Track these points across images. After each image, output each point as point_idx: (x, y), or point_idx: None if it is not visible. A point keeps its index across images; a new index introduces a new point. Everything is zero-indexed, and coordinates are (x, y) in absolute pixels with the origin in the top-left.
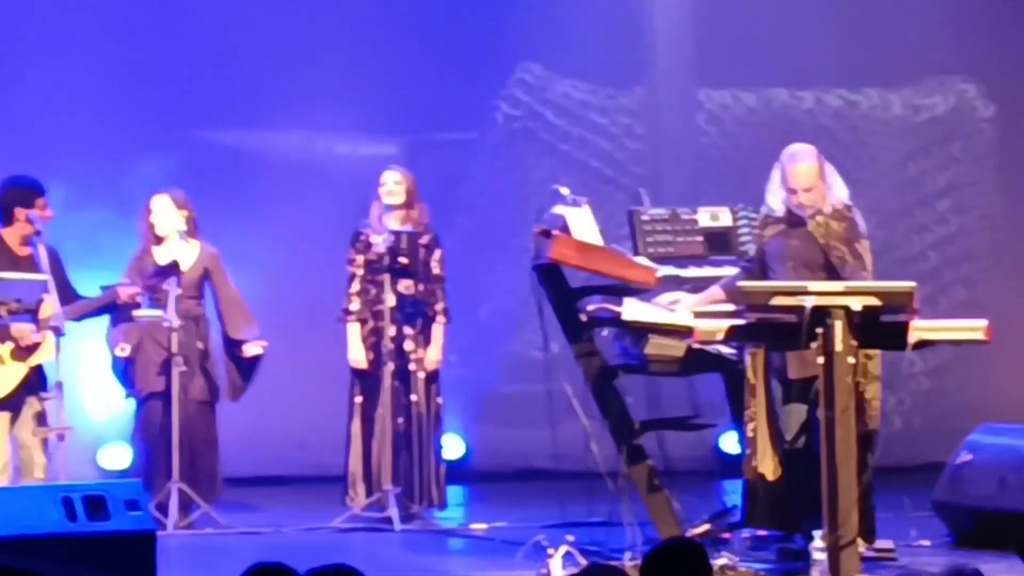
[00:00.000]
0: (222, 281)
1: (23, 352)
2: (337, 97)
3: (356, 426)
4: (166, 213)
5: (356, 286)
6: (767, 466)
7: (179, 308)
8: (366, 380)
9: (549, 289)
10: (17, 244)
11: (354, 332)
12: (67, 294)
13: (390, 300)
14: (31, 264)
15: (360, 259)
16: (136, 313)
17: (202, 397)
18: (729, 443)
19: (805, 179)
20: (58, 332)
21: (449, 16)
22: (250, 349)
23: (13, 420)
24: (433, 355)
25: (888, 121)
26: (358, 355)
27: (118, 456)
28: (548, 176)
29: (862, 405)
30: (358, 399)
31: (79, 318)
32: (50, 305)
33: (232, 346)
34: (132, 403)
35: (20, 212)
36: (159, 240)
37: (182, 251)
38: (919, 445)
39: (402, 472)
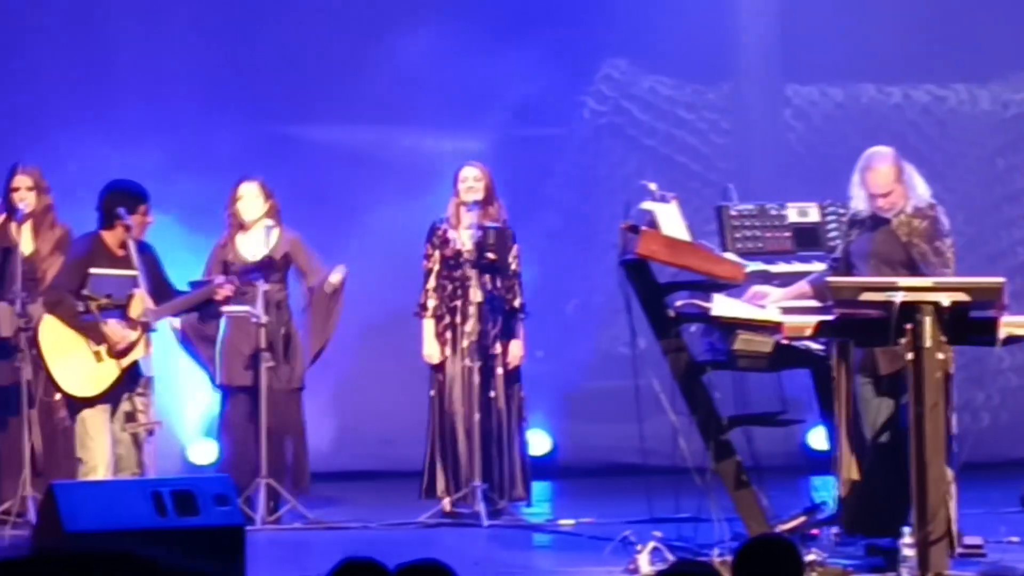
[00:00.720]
0: (307, 264)
1: (121, 349)
2: (423, 92)
3: (434, 422)
4: (254, 201)
5: (432, 281)
6: (851, 470)
7: (266, 299)
8: (443, 376)
9: (637, 285)
10: (116, 246)
11: (429, 328)
12: (164, 290)
13: (477, 296)
14: (127, 263)
15: (436, 254)
16: (225, 309)
17: (289, 386)
18: (817, 439)
19: (882, 184)
20: (148, 328)
21: (535, 12)
22: (334, 276)
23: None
24: (516, 351)
25: (976, 116)
26: (431, 350)
27: (207, 451)
28: (634, 171)
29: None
30: (434, 394)
31: (174, 315)
32: (140, 301)
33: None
34: (218, 397)
35: (123, 214)
36: (243, 227)
37: (266, 241)
38: (1007, 441)
39: (486, 468)
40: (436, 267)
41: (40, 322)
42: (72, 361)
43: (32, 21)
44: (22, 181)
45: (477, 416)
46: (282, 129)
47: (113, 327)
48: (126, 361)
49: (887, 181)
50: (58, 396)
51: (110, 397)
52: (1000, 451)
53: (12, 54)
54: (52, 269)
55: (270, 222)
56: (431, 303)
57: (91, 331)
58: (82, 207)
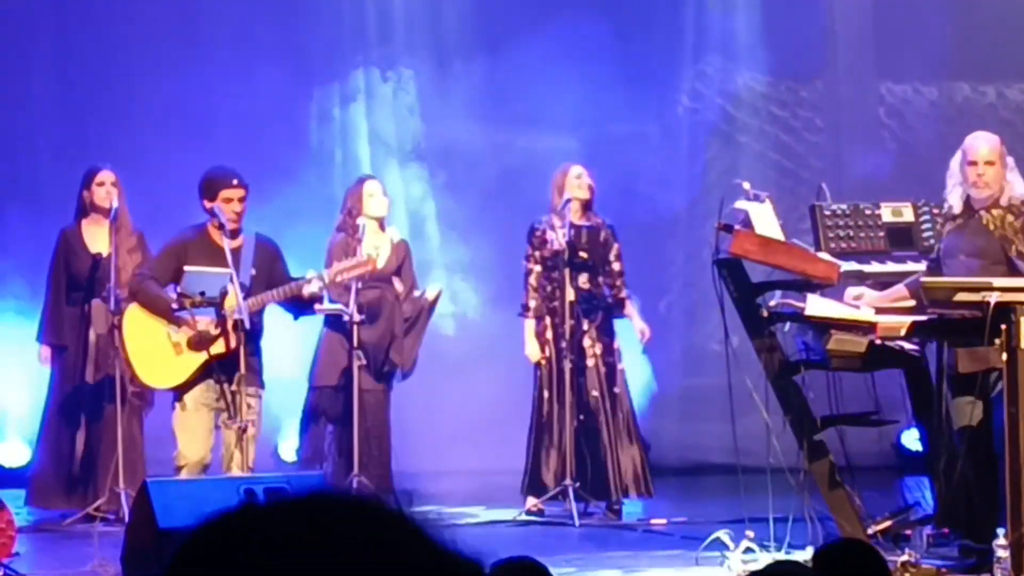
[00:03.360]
0: (409, 273)
1: (201, 342)
2: (518, 91)
3: (535, 421)
4: (379, 199)
5: (533, 281)
6: (941, 466)
7: (359, 299)
8: (544, 375)
9: (730, 284)
10: (219, 236)
11: (529, 328)
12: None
13: (569, 295)
14: (235, 256)
15: (536, 255)
16: (318, 307)
17: (377, 386)
18: (910, 439)
19: (985, 152)
20: (240, 325)
21: (630, 9)
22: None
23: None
24: (639, 325)
25: None
26: (531, 350)
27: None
28: (728, 169)
29: None
30: (536, 394)
31: (260, 310)
32: (232, 297)
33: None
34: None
35: (207, 204)
36: (357, 228)
37: (379, 241)
38: None
39: (583, 467)
40: (537, 267)
41: (125, 313)
42: (151, 351)
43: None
44: (107, 176)
45: (581, 416)
46: None
47: (200, 321)
48: (205, 354)
49: (992, 152)
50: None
51: (190, 389)
52: None
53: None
54: (126, 270)
55: (385, 217)
56: (532, 303)
57: (170, 319)
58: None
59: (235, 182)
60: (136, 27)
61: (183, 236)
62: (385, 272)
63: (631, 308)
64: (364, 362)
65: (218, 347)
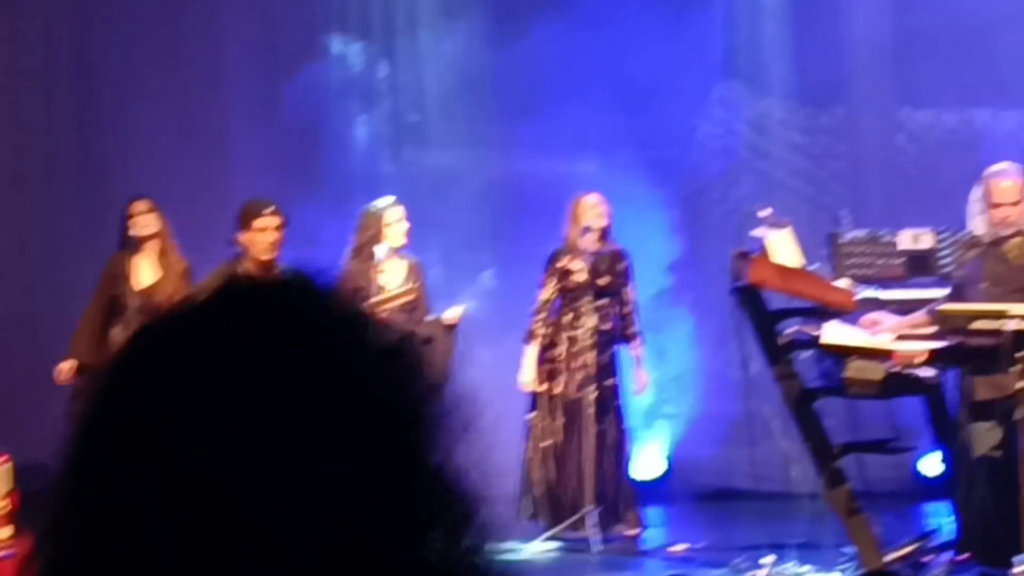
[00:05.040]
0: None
1: None
2: (536, 116)
3: (529, 448)
4: (401, 226)
5: (543, 310)
6: (961, 492)
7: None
8: (539, 403)
9: (748, 311)
10: (253, 272)
11: (531, 354)
12: None
13: (589, 322)
14: None
15: (553, 283)
16: None
17: None
18: (929, 466)
19: (1010, 194)
20: None
21: (649, 35)
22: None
23: None
24: (643, 378)
25: None
26: (528, 377)
27: None
28: (747, 194)
29: None
30: (534, 420)
31: None
32: None
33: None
34: None
35: (240, 236)
36: (373, 255)
37: (396, 268)
38: None
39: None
40: (550, 296)
41: None
42: None
43: None
44: (138, 207)
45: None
46: (407, 155)
47: None
48: None
49: (1015, 192)
50: None
51: None
52: None
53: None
54: (173, 299)
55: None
56: (540, 330)
57: None
58: None
59: (270, 210)
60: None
61: (217, 275)
62: (412, 301)
63: (639, 350)
64: None
65: None
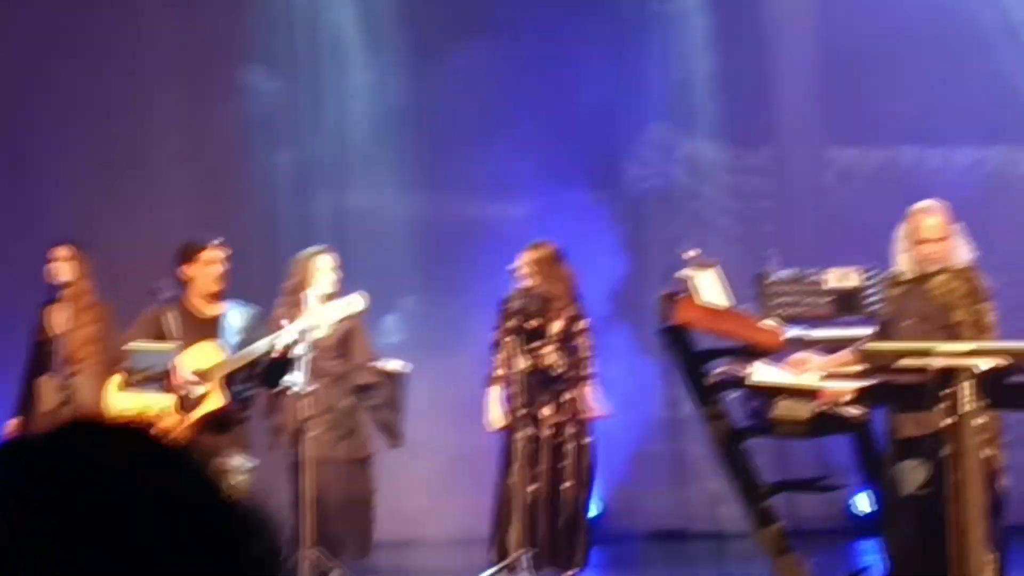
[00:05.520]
0: (361, 342)
1: (189, 404)
2: (466, 154)
3: (502, 489)
4: (329, 274)
5: (499, 350)
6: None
7: (315, 370)
8: (503, 444)
9: (676, 352)
10: (199, 303)
11: (494, 395)
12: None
13: (520, 363)
14: (213, 326)
15: (504, 324)
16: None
17: (350, 455)
18: (862, 502)
19: (934, 231)
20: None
21: (578, 77)
22: (391, 365)
23: None
24: (599, 410)
25: (1019, 177)
26: (494, 416)
27: None
28: (678, 235)
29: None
30: (502, 461)
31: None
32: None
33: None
34: None
35: (185, 270)
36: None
37: (321, 314)
38: None
39: (540, 535)
40: (505, 337)
41: (107, 384)
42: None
43: None
44: (57, 253)
45: (537, 485)
46: (334, 194)
47: (182, 380)
48: (197, 413)
49: (940, 229)
50: None
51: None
52: None
53: None
54: (87, 344)
55: (334, 290)
56: (500, 371)
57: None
58: None
59: (216, 242)
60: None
61: (144, 315)
62: (327, 343)
63: (587, 392)
64: (317, 432)
65: (208, 405)
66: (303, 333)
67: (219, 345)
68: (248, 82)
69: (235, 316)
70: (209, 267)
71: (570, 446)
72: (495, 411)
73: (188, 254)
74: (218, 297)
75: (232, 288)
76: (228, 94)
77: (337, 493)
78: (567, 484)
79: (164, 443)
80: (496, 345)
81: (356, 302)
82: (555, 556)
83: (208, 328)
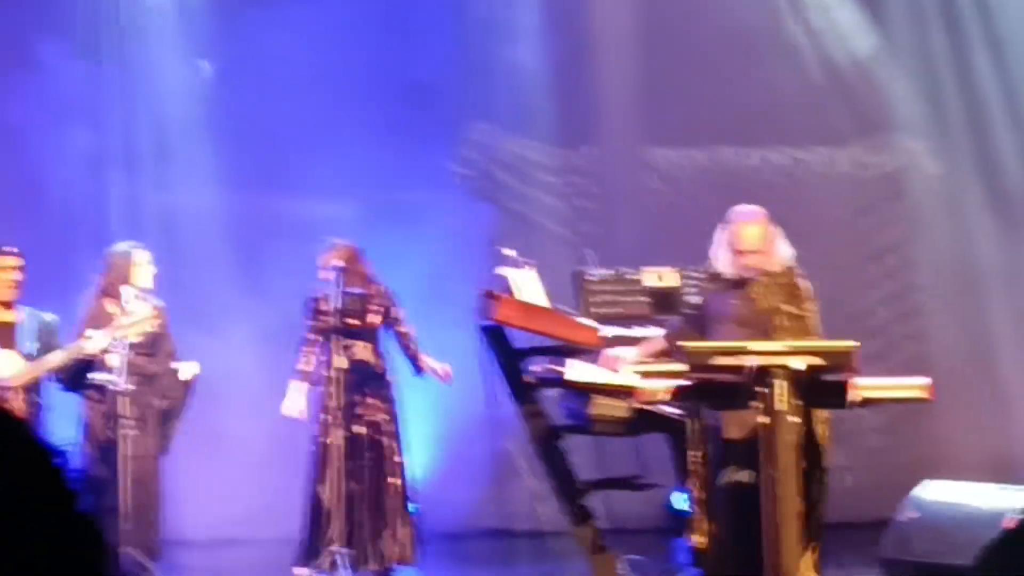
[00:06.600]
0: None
1: None
2: (296, 158)
3: (314, 488)
4: (147, 268)
5: (306, 349)
6: (704, 531)
7: (131, 369)
8: (320, 442)
9: (494, 350)
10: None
11: (295, 386)
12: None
13: (340, 362)
14: (10, 333)
15: (312, 324)
16: (90, 376)
17: (152, 453)
18: (680, 501)
19: (752, 241)
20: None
21: (401, 77)
22: (185, 369)
23: None
24: (440, 367)
25: (835, 178)
26: (290, 404)
27: None
28: (500, 234)
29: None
30: (312, 460)
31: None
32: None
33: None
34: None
35: None
36: (118, 295)
37: (138, 310)
38: (870, 502)
39: (357, 534)
40: (312, 336)
41: None
42: None
43: None
44: None
45: (353, 483)
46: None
47: None
48: None
49: (757, 239)
50: None
51: None
52: (864, 511)
53: None
54: None
55: (150, 286)
56: (306, 368)
57: None
58: None
59: (8, 250)
60: None
61: None
62: (146, 341)
63: (428, 362)
64: (133, 431)
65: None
66: (119, 335)
67: (16, 352)
68: (47, 59)
69: (31, 322)
70: (1, 274)
71: (388, 443)
72: (293, 399)
73: None
74: (9, 306)
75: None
76: (27, 77)
77: (143, 492)
78: (388, 481)
79: None
80: (305, 342)
81: (192, 367)
82: (378, 554)
83: (3, 336)
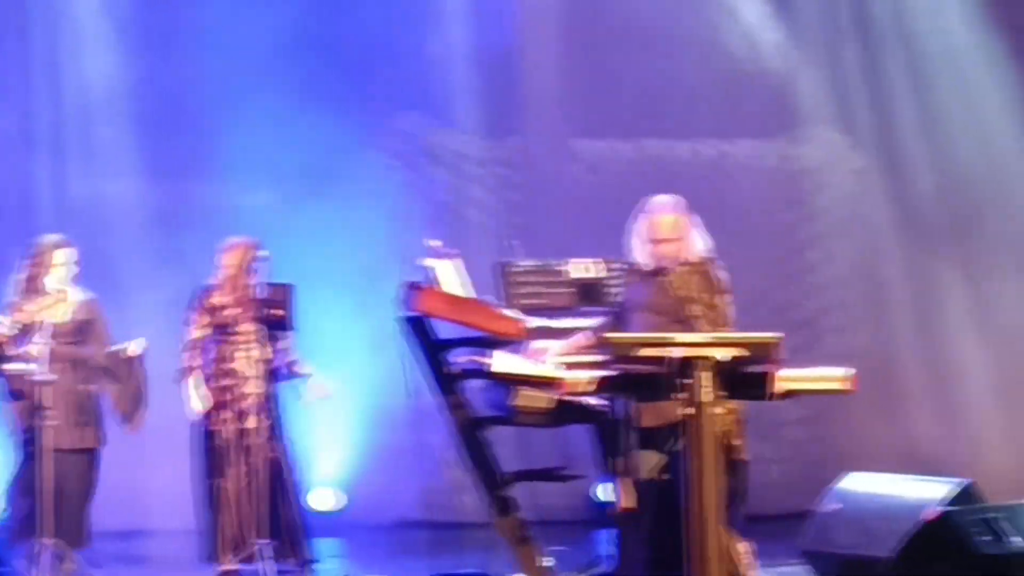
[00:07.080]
0: (101, 330)
1: None
2: (218, 148)
3: (212, 483)
4: (69, 268)
5: (195, 345)
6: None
7: (53, 357)
8: (217, 436)
9: (416, 341)
10: None
11: (191, 384)
12: None
13: (256, 354)
14: None
15: (203, 320)
16: (5, 367)
17: (82, 445)
18: (603, 492)
19: (667, 230)
20: None
21: (327, 66)
22: (131, 348)
23: None
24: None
25: (763, 171)
26: (194, 404)
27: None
28: (426, 225)
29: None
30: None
31: None
32: None
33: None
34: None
35: None
36: (40, 291)
37: (57, 303)
38: (794, 493)
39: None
40: (201, 332)
41: None
42: None
43: None
44: None
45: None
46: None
47: None
48: None
49: (673, 228)
50: None
51: None
52: (787, 503)
53: None
54: None
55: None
56: (192, 363)
57: None
58: None
59: None
60: None
61: None
62: (65, 328)
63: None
64: (56, 422)
65: None
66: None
67: None
68: None
69: None
70: None
71: (279, 439)
72: (195, 399)
73: None
74: None
75: None
76: None
77: (68, 482)
78: (286, 475)
79: None
80: (191, 339)
81: (140, 343)
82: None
83: None
